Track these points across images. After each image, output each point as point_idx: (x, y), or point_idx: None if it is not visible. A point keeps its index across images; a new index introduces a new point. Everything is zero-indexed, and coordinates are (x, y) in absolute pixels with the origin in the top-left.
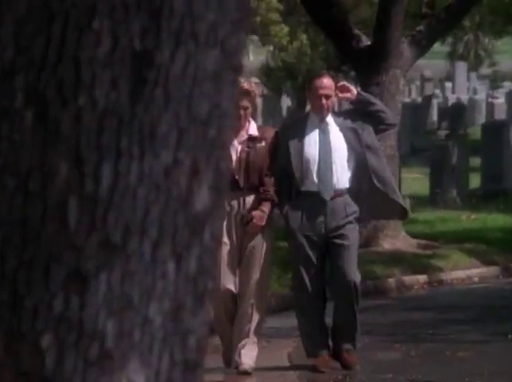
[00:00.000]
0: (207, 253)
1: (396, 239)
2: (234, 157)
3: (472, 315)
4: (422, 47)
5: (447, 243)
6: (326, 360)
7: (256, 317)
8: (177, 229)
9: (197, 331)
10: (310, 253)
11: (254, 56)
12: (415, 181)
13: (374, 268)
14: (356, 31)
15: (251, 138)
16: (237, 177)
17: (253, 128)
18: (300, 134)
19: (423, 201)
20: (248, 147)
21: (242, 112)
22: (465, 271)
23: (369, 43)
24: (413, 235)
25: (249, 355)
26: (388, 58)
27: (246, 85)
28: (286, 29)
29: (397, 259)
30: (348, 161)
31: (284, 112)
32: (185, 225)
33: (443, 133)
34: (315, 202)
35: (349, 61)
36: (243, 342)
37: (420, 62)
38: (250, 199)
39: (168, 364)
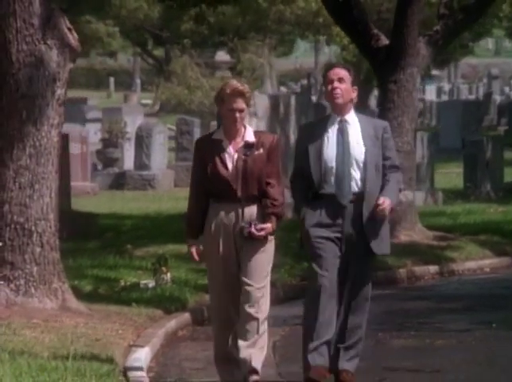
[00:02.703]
0: None
1: (412, 231)
2: (230, 166)
3: (467, 304)
4: (439, 47)
5: (464, 235)
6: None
7: (260, 330)
8: None
9: None
10: (328, 258)
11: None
12: (459, 175)
13: (387, 259)
14: (375, 30)
15: (248, 145)
16: (234, 187)
17: (249, 134)
18: (320, 136)
19: (457, 195)
20: (245, 155)
21: (237, 115)
22: (477, 262)
23: (387, 42)
24: (434, 228)
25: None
26: (405, 57)
27: (240, 86)
28: None
29: (410, 250)
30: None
31: None
32: None
33: (502, 129)
34: (333, 206)
35: (368, 59)
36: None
37: (490, 60)
38: (249, 210)
39: None
